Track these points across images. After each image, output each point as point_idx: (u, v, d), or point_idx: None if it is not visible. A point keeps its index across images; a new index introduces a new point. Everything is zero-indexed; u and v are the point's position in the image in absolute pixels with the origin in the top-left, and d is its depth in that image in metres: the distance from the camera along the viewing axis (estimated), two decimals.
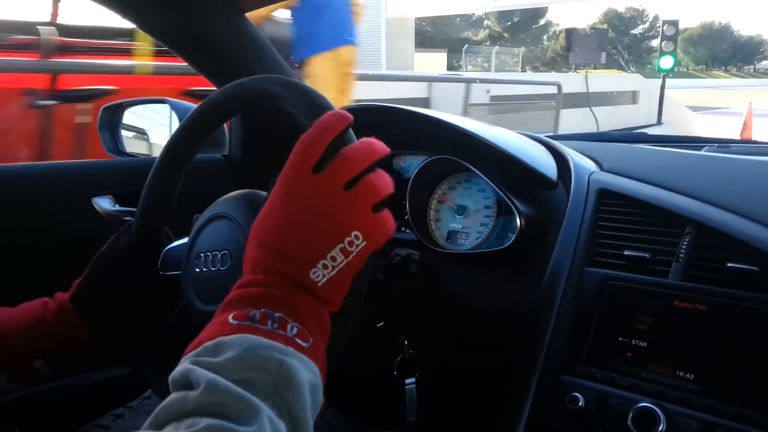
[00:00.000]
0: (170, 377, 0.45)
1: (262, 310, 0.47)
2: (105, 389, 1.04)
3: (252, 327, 0.46)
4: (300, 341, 0.47)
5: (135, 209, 0.81)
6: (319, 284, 0.50)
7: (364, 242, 0.52)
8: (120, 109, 1.53)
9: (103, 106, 1.55)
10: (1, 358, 0.71)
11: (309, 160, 0.52)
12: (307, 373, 0.45)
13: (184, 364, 0.44)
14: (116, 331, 0.78)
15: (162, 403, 0.42)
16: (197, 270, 0.70)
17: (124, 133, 1.53)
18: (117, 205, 1.15)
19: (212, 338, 0.45)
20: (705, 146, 1.11)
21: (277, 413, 0.42)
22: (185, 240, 0.76)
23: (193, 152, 0.77)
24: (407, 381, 0.82)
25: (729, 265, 0.66)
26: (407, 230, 1.02)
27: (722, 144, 1.12)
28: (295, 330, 0.47)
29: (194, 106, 0.77)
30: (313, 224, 0.51)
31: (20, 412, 0.92)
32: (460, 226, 0.96)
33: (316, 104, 0.58)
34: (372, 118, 0.97)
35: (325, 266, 0.50)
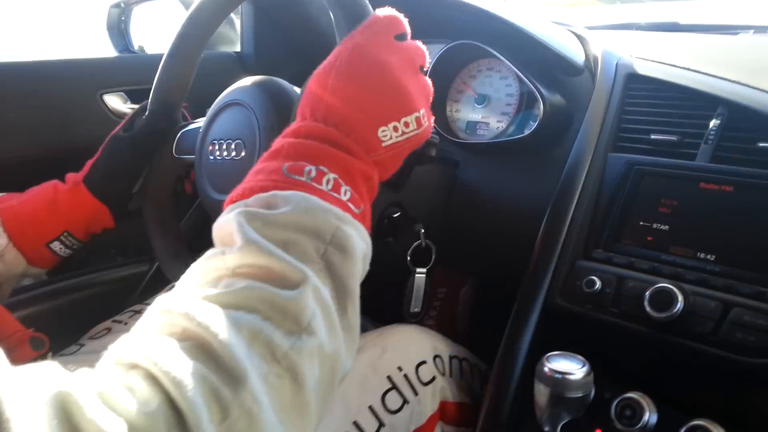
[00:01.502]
0: (214, 225, 0.43)
1: (319, 167, 0.45)
2: (124, 285, 1.07)
3: (308, 185, 0.44)
4: (352, 206, 0.46)
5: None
6: (384, 144, 0.49)
7: (427, 124, 0.53)
8: (128, 6, 1.49)
9: (110, 5, 1.50)
10: (18, 242, 0.72)
11: (394, 29, 0.53)
12: (360, 242, 0.44)
13: (233, 213, 0.41)
14: (130, 212, 0.79)
15: (198, 259, 0.40)
16: (211, 158, 0.69)
17: (132, 32, 1.49)
18: (129, 102, 1.14)
19: (265, 189, 0.43)
20: (740, 31, 1.04)
21: (322, 278, 0.40)
22: (201, 121, 0.75)
23: (210, 30, 0.75)
24: (418, 270, 0.82)
25: (760, 144, 0.63)
26: None
27: (759, 29, 1.05)
28: (348, 194, 0.46)
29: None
30: (396, 85, 0.50)
31: (36, 307, 0.95)
32: (480, 117, 0.93)
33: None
34: (386, 2, 0.92)
35: (396, 128, 0.50)
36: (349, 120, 0.48)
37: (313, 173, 0.44)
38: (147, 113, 0.78)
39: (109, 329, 0.85)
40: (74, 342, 0.82)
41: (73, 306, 0.98)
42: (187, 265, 0.74)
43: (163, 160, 0.79)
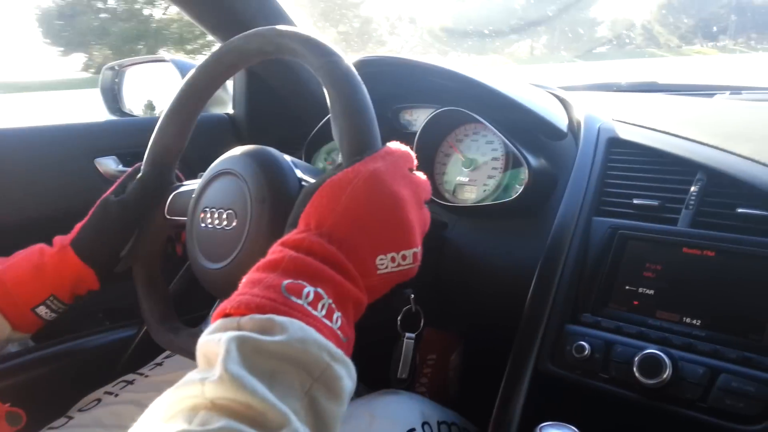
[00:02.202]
0: (200, 340, 0.41)
1: (317, 289, 0.45)
2: (111, 351, 1.05)
3: (304, 309, 0.43)
4: (341, 334, 0.45)
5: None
6: (379, 272, 0.50)
7: (419, 261, 0.54)
8: (122, 69, 1.52)
9: (104, 66, 1.53)
10: (2, 306, 0.71)
11: (409, 162, 0.56)
12: (349, 382, 0.42)
13: (224, 337, 0.39)
14: (116, 274, 0.79)
15: (177, 383, 0.38)
16: (202, 225, 0.70)
17: (125, 94, 1.52)
18: (121, 165, 1.15)
19: (262, 309, 0.42)
20: (716, 93, 1.08)
21: (304, 419, 0.38)
22: (194, 183, 0.76)
23: (208, 95, 0.76)
24: (407, 335, 0.82)
25: (739, 210, 0.65)
26: None
27: (734, 90, 1.09)
28: (339, 322, 0.45)
29: (197, 64, 0.76)
30: (404, 219, 0.52)
31: (22, 376, 0.93)
32: (467, 179, 0.95)
33: (337, 68, 0.57)
34: (377, 71, 0.95)
35: (393, 259, 0.51)
36: (353, 242, 0.49)
37: (311, 296, 0.44)
38: (139, 176, 0.79)
39: (99, 400, 0.83)
40: (63, 414, 0.81)
41: (61, 374, 0.96)
42: (173, 329, 0.74)
43: (154, 221, 0.80)
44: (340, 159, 0.56)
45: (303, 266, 0.46)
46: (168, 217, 0.79)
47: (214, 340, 0.40)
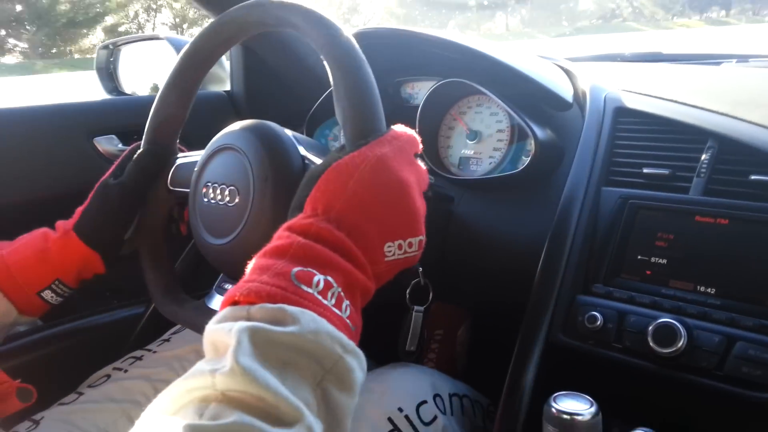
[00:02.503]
0: (208, 328, 0.40)
1: (327, 277, 0.44)
2: (120, 329, 1.05)
3: (315, 299, 0.42)
4: (350, 323, 0.45)
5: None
6: (387, 259, 0.50)
7: (421, 249, 0.54)
8: (117, 48, 1.50)
9: (99, 46, 1.51)
10: (8, 292, 0.71)
11: (415, 147, 0.56)
12: (360, 373, 0.42)
13: (235, 326, 0.38)
14: (122, 256, 0.78)
15: (186, 372, 0.37)
16: (205, 200, 0.69)
17: (121, 72, 1.50)
18: (121, 144, 1.14)
19: (273, 298, 0.41)
20: (723, 61, 1.07)
21: (317, 412, 0.38)
22: (197, 154, 0.74)
23: (207, 66, 0.74)
24: (416, 308, 0.82)
25: (752, 177, 0.64)
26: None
27: (741, 59, 1.07)
28: (348, 310, 0.45)
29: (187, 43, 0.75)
30: (411, 206, 0.52)
31: (33, 354, 0.93)
32: (472, 152, 0.93)
33: (340, 45, 0.55)
34: (378, 43, 0.93)
35: (400, 246, 0.51)
36: (362, 229, 0.48)
37: (321, 284, 0.43)
38: (136, 156, 0.77)
39: (108, 376, 0.83)
40: (73, 390, 0.81)
41: (70, 352, 0.96)
42: (177, 301, 0.74)
43: (157, 193, 0.79)
44: (342, 137, 0.55)
45: (312, 253, 0.45)
46: (171, 188, 0.78)
47: (224, 330, 0.39)
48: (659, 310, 0.63)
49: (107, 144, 1.12)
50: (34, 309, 0.74)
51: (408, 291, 0.80)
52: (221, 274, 0.72)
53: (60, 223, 0.76)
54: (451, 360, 1.16)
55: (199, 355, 0.66)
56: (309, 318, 0.40)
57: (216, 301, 0.70)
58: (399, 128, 0.56)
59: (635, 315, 0.64)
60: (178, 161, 0.78)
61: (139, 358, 0.86)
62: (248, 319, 0.40)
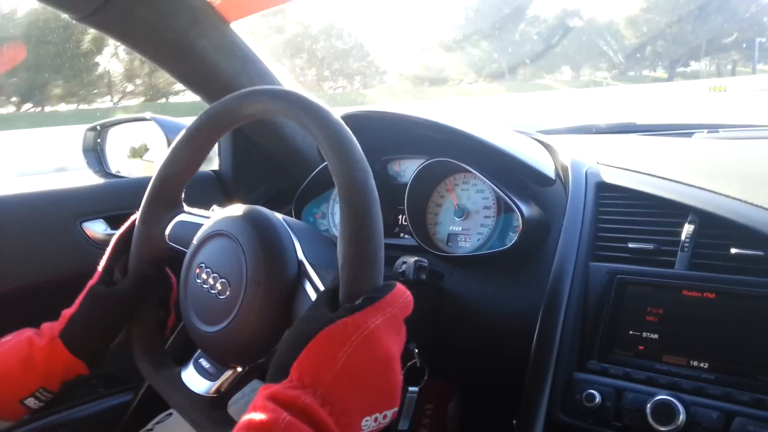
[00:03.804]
0: None
1: None
2: (107, 419, 1.02)
3: None
4: None
5: None
6: None
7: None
8: (104, 129, 1.51)
9: (87, 127, 1.53)
10: None
11: (406, 312, 0.55)
12: None
13: None
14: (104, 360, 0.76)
15: None
16: (198, 282, 0.69)
17: (109, 154, 1.51)
18: (109, 228, 1.14)
19: None
20: (694, 132, 1.12)
21: None
22: (200, 213, 0.74)
23: (204, 153, 0.74)
24: (411, 389, 0.81)
25: (733, 251, 0.66)
26: (406, 236, 1.02)
27: (711, 129, 1.12)
28: None
29: (180, 123, 0.76)
30: (394, 382, 0.52)
31: None
32: (460, 229, 0.95)
33: (324, 122, 0.57)
34: (365, 125, 0.96)
35: (376, 419, 0.51)
36: (345, 404, 0.49)
37: None
38: (129, 273, 0.76)
39: None
40: None
41: None
42: (155, 362, 0.72)
43: (153, 244, 0.77)
44: (330, 216, 0.55)
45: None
46: (169, 243, 0.77)
47: None
48: (655, 386, 0.64)
49: (95, 228, 1.12)
50: (14, 415, 0.72)
51: (403, 372, 0.80)
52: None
53: (46, 328, 0.73)
54: None
55: None
56: None
57: (189, 375, 0.69)
58: (399, 290, 0.55)
59: (632, 392, 0.64)
60: (180, 218, 0.77)
61: None
62: None
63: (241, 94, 0.67)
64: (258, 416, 0.46)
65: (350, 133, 0.57)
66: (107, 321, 0.73)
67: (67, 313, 0.74)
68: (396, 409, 0.53)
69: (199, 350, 0.72)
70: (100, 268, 0.78)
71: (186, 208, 0.79)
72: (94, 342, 0.73)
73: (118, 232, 0.80)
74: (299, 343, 0.50)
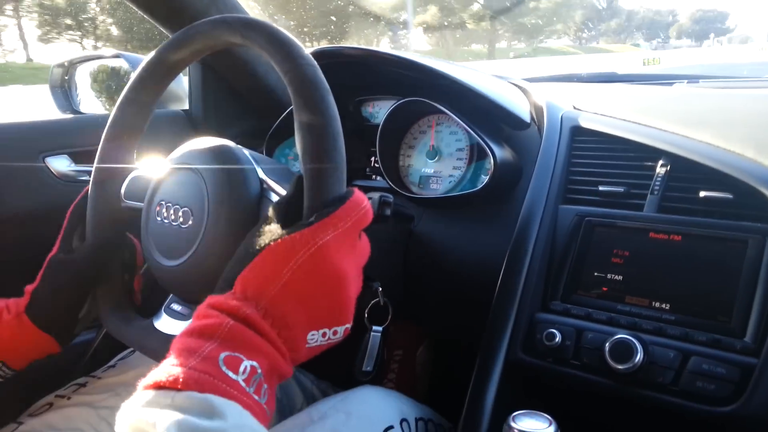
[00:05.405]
0: (127, 410, 0.40)
1: (252, 363, 0.44)
2: (68, 356, 1.00)
3: (240, 388, 0.42)
4: (267, 410, 0.45)
5: (92, 168, 0.77)
6: (308, 346, 0.49)
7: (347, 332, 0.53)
8: (72, 66, 1.46)
9: (54, 64, 1.47)
10: None
11: (363, 224, 0.52)
12: None
13: (163, 418, 0.37)
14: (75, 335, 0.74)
15: None
16: (158, 219, 0.67)
17: (77, 91, 1.46)
18: (73, 165, 1.10)
19: (200, 386, 0.40)
20: (674, 82, 1.10)
21: None
22: (151, 172, 0.72)
23: (169, 78, 0.71)
24: (374, 329, 0.80)
25: (703, 194, 0.66)
26: (378, 178, 1.00)
27: (691, 79, 1.11)
28: (266, 396, 0.44)
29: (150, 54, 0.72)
30: (344, 298, 0.51)
31: None
32: (432, 171, 0.93)
33: (306, 80, 0.53)
34: (338, 62, 0.93)
35: (324, 334, 0.50)
36: (288, 319, 0.47)
37: (247, 371, 0.43)
38: (87, 242, 0.73)
39: (50, 404, 0.79)
40: (12, 420, 0.77)
41: (9, 380, 0.91)
42: (124, 319, 0.71)
43: (110, 206, 0.75)
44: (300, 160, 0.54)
45: (242, 338, 0.45)
46: (125, 201, 0.75)
47: (149, 421, 0.38)
48: (616, 327, 0.64)
49: (59, 164, 1.09)
50: None
51: (366, 311, 0.79)
52: (171, 295, 0.70)
53: (13, 303, 0.71)
54: (411, 381, 1.15)
55: None
56: (235, 412, 0.40)
57: (163, 322, 0.67)
58: (355, 200, 0.52)
59: (592, 332, 0.64)
60: (134, 174, 0.75)
61: (83, 385, 0.82)
62: (173, 406, 0.39)
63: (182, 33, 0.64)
64: (202, 321, 0.46)
65: (294, 39, 0.56)
66: (71, 290, 0.71)
67: (29, 288, 0.71)
68: (349, 325, 0.52)
69: (170, 297, 0.70)
70: (58, 239, 0.75)
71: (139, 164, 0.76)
72: (60, 313, 0.71)
73: (74, 202, 0.77)
74: (246, 257, 0.49)
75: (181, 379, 0.40)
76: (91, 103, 1.45)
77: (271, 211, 0.53)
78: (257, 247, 0.49)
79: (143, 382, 0.42)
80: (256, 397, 0.43)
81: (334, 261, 0.49)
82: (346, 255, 0.51)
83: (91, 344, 1.01)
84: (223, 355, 0.43)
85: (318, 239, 0.49)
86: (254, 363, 0.44)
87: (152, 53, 0.70)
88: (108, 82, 1.46)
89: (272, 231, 0.50)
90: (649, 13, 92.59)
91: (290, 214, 0.52)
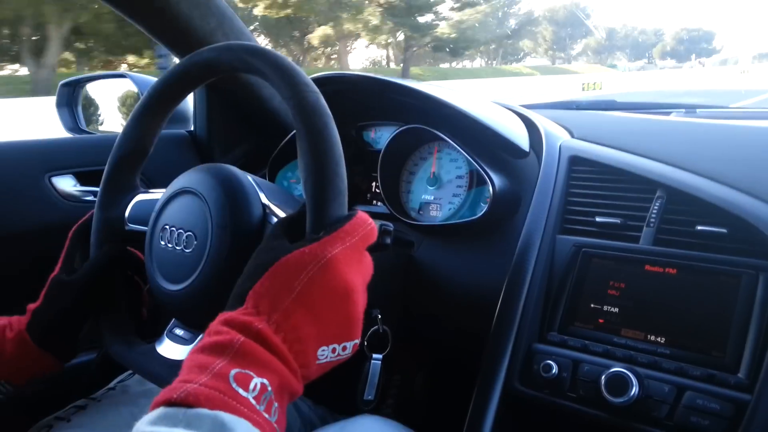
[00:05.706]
0: (143, 429, 0.39)
1: (263, 380, 0.44)
2: (68, 378, 1.01)
3: (251, 406, 0.42)
4: (277, 428, 0.44)
5: (97, 189, 0.78)
6: (318, 362, 0.50)
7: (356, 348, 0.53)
8: (78, 85, 1.48)
9: (61, 82, 1.49)
10: None
11: (369, 241, 0.54)
12: None
13: (174, 431, 0.38)
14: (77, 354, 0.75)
15: None
16: (162, 243, 0.68)
17: (83, 110, 1.48)
18: (78, 184, 1.12)
19: (210, 403, 0.40)
20: (672, 111, 1.11)
21: None
22: (157, 192, 0.73)
23: (175, 103, 0.73)
24: (374, 356, 0.81)
25: (699, 228, 0.66)
26: (378, 203, 1.01)
27: (689, 109, 1.12)
28: (276, 415, 0.44)
29: (154, 80, 0.74)
30: (353, 313, 0.51)
31: None
32: (432, 198, 0.95)
33: (309, 108, 0.55)
34: (341, 89, 0.94)
35: (334, 350, 0.50)
36: (300, 332, 0.48)
37: (257, 389, 0.43)
38: (91, 260, 0.74)
39: (50, 426, 0.79)
40: None
41: (9, 403, 0.92)
42: (127, 342, 0.71)
43: (114, 229, 0.76)
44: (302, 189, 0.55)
45: (253, 355, 0.45)
46: (128, 224, 0.76)
47: None
48: (612, 359, 0.64)
49: (65, 183, 1.10)
50: None
51: (366, 339, 0.80)
52: (173, 320, 0.71)
53: (16, 321, 0.72)
54: (409, 407, 1.15)
55: (146, 404, 0.64)
56: (245, 429, 0.40)
57: (165, 347, 0.68)
58: (360, 219, 0.54)
59: (588, 364, 0.65)
60: (138, 198, 0.76)
61: (83, 408, 0.82)
62: (183, 423, 0.39)
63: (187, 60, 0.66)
64: (213, 338, 0.46)
65: (297, 66, 0.57)
66: (71, 311, 0.71)
67: (31, 306, 0.72)
68: (357, 341, 0.52)
69: (172, 321, 0.71)
70: (60, 259, 0.76)
71: (142, 188, 0.78)
72: (61, 333, 0.71)
73: (77, 224, 0.78)
74: (256, 272, 0.50)
75: (191, 396, 0.40)
76: (117, 126, 1.48)
77: (277, 228, 0.54)
78: (267, 262, 0.50)
79: (155, 399, 0.42)
80: (266, 416, 0.43)
81: (343, 274, 0.50)
82: (355, 269, 0.51)
83: (90, 365, 1.01)
84: (233, 371, 0.43)
85: (327, 252, 0.49)
86: (264, 380, 0.44)
87: (157, 79, 0.72)
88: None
89: (281, 246, 0.51)
90: (633, 32, 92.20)
91: (296, 232, 0.53)
